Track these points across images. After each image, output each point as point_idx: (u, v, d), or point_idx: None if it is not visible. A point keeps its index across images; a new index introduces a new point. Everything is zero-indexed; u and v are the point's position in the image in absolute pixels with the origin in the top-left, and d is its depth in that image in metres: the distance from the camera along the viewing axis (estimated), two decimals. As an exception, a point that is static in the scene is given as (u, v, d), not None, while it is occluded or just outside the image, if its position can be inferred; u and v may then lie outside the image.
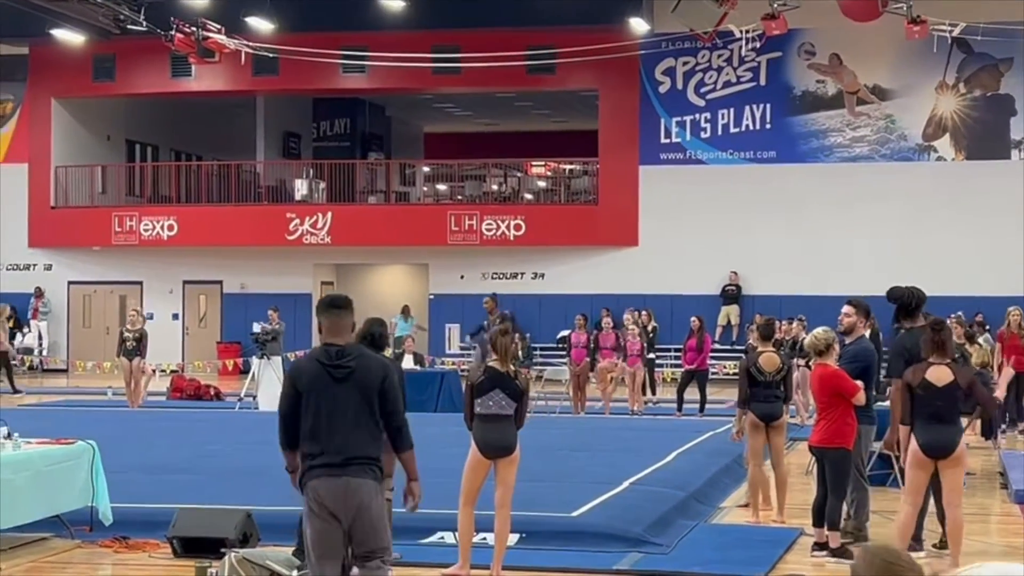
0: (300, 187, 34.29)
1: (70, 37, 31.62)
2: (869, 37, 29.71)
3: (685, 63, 31.95)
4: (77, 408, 23.99)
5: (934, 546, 10.72)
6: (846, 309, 11.34)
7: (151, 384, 25.39)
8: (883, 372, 13.29)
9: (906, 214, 30.58)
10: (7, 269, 35.09)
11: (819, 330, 10.89)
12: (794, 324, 22.98)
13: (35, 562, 10.42)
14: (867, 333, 11.67)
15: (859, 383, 10.63)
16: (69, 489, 10.98)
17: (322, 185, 34.54)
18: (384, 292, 35.62)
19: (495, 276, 33.22)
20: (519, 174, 39.58)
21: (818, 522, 10.74)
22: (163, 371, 30.14)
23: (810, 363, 20.01)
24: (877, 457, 13.80)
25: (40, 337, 33.70)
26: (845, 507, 10.96)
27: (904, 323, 10.98)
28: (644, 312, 27.74)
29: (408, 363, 22.40)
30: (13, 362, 32.90)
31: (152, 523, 10.89)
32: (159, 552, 10.52)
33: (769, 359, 12.44)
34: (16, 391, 26.88)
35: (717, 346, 28.70)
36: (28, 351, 33.68)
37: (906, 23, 26.15)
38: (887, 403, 13.74)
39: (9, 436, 10.68)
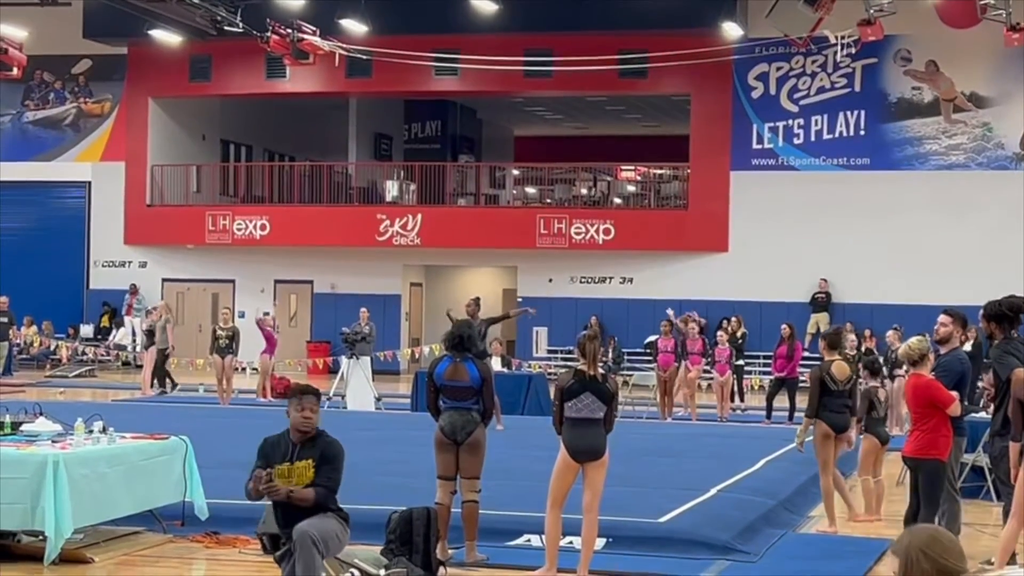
0: (391, 188, 34.50)
1: (167, 38, 32.10)
2: (967, 44, 29.29)
3: (779, 68, 31.70)
4: (169, 404, 24.27)
5: (1028, 561, 10.54)
6: (943, 319, 11.14)
7: (241, 382, 25.65)
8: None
9: (1001, 223, 30.06)
10: (103, 266, 35.70)
11: (914, 340, 10.72)
12: (889, 333, 22.60)
13: (128, 555, 10.52)
14: (969, 345, 11.43)
15: (954, 394, 10.47)
16: (163, 484, 11.06)
17: (412, 187, 34.72)
18: (472, 294, 35.62)
19: (583, 280, 33.19)
20: (609, 178, 39.49)
21: (910, 533, 10.54)
22: (254, 369, 30.40)
23: (895, 373, 19.92)
24: (970, 469, 13.62)
25: (134, 334, 34.19)
26: (937, 519, 10.80)
27: (997, 334, 10.74)
28: (733, 319, 27.59)
29: (496, 365, 22.42)
30: (107, 358, 33.59)
31: (242, 519, 10.95)
32: (249, 548, 10.59)
33: (840, 368, 12.28)
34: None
35: (806, 354, 28.44)
36: (122, 347, 34.18)
37: (1005, 30, 25.78)
38: (980, 414, 13.60)
39: (104, 430, 10.77)
